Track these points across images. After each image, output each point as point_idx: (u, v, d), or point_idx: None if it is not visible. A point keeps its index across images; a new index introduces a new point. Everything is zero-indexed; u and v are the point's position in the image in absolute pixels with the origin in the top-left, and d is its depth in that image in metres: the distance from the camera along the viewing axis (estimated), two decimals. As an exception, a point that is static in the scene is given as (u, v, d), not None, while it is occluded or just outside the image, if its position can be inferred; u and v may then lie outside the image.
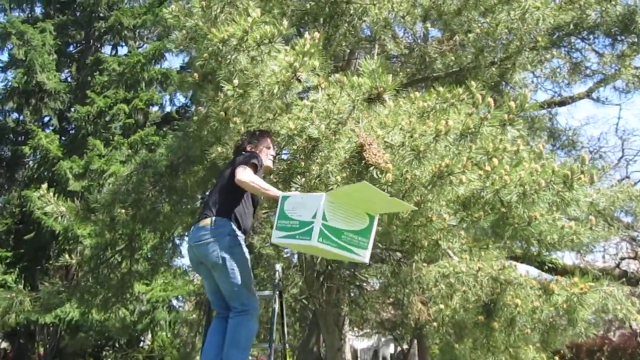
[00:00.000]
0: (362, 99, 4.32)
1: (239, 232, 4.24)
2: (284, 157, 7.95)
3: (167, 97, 18.31)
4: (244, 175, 4.09)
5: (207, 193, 5.14)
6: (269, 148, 4.60)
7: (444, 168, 4.19)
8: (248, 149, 4.53)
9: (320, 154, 4.52)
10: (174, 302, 16.25)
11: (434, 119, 4.43)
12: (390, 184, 4.09)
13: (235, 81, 4.40)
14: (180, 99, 18.48)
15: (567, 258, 13.00)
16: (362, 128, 4.36)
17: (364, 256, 3.77)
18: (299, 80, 4.27)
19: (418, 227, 4.74)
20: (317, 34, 4.18)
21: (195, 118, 6.71)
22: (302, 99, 4.86)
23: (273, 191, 4.07)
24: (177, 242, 10.03)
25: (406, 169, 4.20)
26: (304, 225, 3.60)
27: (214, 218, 4.22)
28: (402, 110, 4.63)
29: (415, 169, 4.20)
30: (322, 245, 3.57)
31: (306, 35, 4.14)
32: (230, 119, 4.76)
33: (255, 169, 4.23)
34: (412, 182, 4.33)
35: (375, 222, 3.83)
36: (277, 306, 4.63)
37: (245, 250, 4.27)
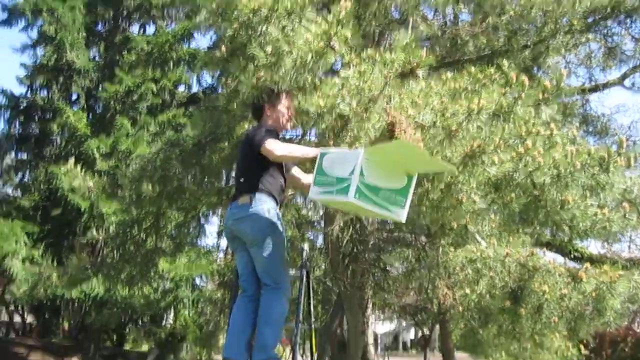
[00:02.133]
0: (395, 75, 4.25)
1: (275, 206, 4.24)
2: (312, 137, 7.94)
3: (194, 77, 18.35)
4: (277, 148, 4.05)
5: (236, 172, 5.14)
6: (288, 108, 4.55)
7: (476, 148, 4.13)
8: (266, 107, 4.50)
9: (349, 133, 4.47)
10: (197, 281, 16.34)
11: (466, 99, 4.36)
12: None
13: (269, 48, 4.36)
14: (207, 80, 18.52)
15: (593, 247, 12.85)
16: (393, 107, 4.30)
17: (401, 215, 3.75)
18: (333, 49, 4.23)
19: (447, 209, 4.68)
20: (349, 3, 4.11)
21: (224, 91, 6.71)
22: (332, 77, 4.81)
23: (312, 151, 4.03)
24: (202, 221, 10.08)
25: (437, 149, 4.15)
26: (341, 182, 3.60)
27: (254, 194, 4.19)
28: (434, 91, 4.56)
29: (446, 149, 4.15)
30: (358, 202, 3.56)
31: (341, 2, 4.08)
32: (262, 88, 4.73)
33: (277, 136, 4.22)
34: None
35: (414, 182, 3.79)
36: (304, 286, 4.60)
37: (283, 226, 4.26)
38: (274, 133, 4.22)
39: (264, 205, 4.16)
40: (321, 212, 11.85)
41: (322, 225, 10.87)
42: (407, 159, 3.68)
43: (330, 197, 3.70)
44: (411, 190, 3.77)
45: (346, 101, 4.30)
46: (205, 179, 7.89)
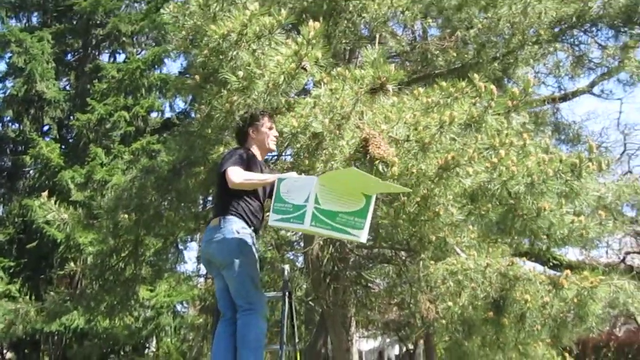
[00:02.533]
0: (366, 91, 4.28)
1: (247, 230, 4.23)
2: (288, 157, 7.91)
3: (167, 103, 18.28)
4: (234, 176, 4.11)
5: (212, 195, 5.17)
6: (271, 129, 4.59)
7: (450, 160, 4.16)
8: (250, 131, 4.51)
9: (324, 150, 4.49)
10: (178, 307, 16.21)
11: (438, 112, 4.40)
12: (396, 177, 4.07)
13: (240, 73, 4.37)
14: (180, 105, 18.48)
15: (571, 254, 12.96)
16: (366, 122, 4.31)
17: (360, 236, 3.77)
18: (305, 69, 4.25)
19: (425, 222, 4.71)
20: (317, 23, 4.14)
21: (198, 116, 6.70)
22: (304, 97, 4.81)
23: (270, 178, 4.09)
24: (180, 247, 10.00)
25: (412, 162, 4.17)
26: (297, 209, 3.63)
27: (223, 217, 4.23)
28: (406, 106, 4.59)
29: (420, 163, 4.19)
30: (315, 229, 3.60)
31: (310, 23, 4.11)
32: (235, 112, 4.75)
33: (241, 163, 4.24)
34: (418, 176, 4.32)
35: (373, 202, 3.82)
36: (286, 307, 4.57)
37: (254, 248, 4.25)
38: (241, 159, 4.25)
39: (233, 226, 4.19)
40: (300, 233, 11.82)
41: (302, 245, 10.82)
42: (361, 184, 3.71)
43: (288, 225, 3.76)
44: (370, 210, 3.80)
45: (319, 119, 4.32)
46: (182, 205, 7.85)
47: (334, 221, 3.63)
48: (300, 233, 11.92)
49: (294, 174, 4.10)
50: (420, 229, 4.85)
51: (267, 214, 4.10)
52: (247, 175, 4.15)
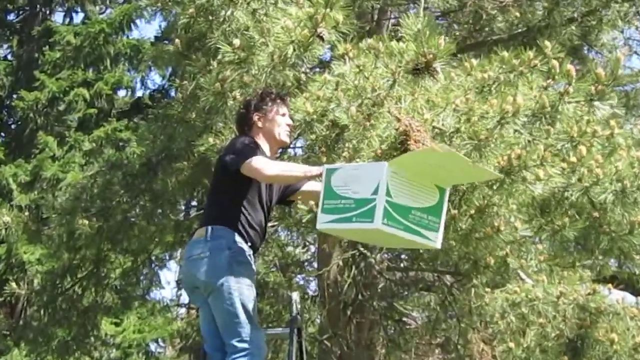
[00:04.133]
0: (406, 70, 4.27)
1: (244, 245, 4.21)
2: (298, 150, 7.94)
3: (139, 78, 18.32)
4: (267, 167, 4.09)
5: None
6: (284, 115, 4.55)
7: (515, 160, 4.14)
8: (255, 118, 4.50)
9: (347, 144, 4.48)
10: (152, 346, 16.24)
11: (498, 94, 4.38)
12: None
13: (236, 41, 4.37)
14: (156, 80, 18.54)
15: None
16: (404, 110, 4.31)
17: (436, 240, 3.80)
18: (321, 38, 4.24)
19: (481, 240, 4.70)
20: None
21: (179, 96, 6.72)
22: (321, 72, 4.82)
23: (313, 169, 4.07)
24: (156, 266, 10.05)
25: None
26: (362, 204, 3.64)
27: (210, 227, 4.22)
28: (455, 84, 4.58)
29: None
30: (388, 229, 3.59)
31: (329, -24, 4.12)
32: (228, 93, 4.74)
33: (261, 154, 4.24)
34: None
35: (447, 198, 3.85)
36: (294, 348, 4.57)
37: (252, 269, 4.23)
38: (256, 147, 4.25)
39: (224, 240, 4.16)
40: (312, 249, 11.85)
41: (315, 266, 10.87)
42: (442, 170, 3.71)
43: (348, 226, 3.75)
44: (445, 207, 3.82)
45: (343, 105, 4.31)
46: (158, 211, 7.89)
47: (407, 219, 3.67)
48: (313, 249, 11.97)
49: (348, 164, 4.12)
50: (475, 249, 4.84)
51: (271, 226, 4.10)
52: (283, 164, 4.21)
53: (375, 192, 3.58)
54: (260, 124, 4.47)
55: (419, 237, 3.73)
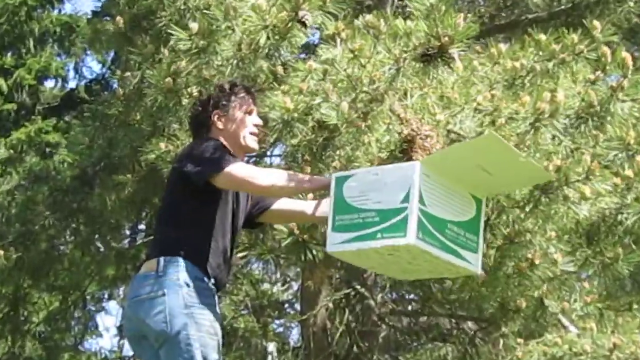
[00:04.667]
0: (413, 57, 4.25)
1: (204, 282, 4.17)
2: (275, 159, 7.92)
3: (71, 65, 18.30)
4: (256, 175, 4.10)
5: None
6: (251, 113, 4.52)
7: (554, 174, 4.13)
8: (214, 118, 4.46)
9: (338, 151, 4.46)
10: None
11: (532, 89, 4.37)
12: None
13: (194, 25, 4.35)
14: (94, 68, 18.52)
15: None
16: (411, 108, 4.29)
17: (475, 263, 3.81)
18: (303, 24, 4.22)
19: (510, 278, 4.69)
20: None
21: (120, 92, 6.69)
22: (306, 57, 4.80)
23: (319, 180, 4.11)
24: (91, 308, 10.01)
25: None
26: (389, 216, 3.61)
27: (162, 259, 4.12)
28: (478, 76, 4.57)
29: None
30: (424, 245, 3.57)
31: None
32: (183, 91, 4.69)
33: (232, 159, 4.20)
34: (498, 200, 4.31)
35: (484, 210, 3.87)
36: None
37: (216, 312, 4.17)
38: (227, 151, 4.20)
39: (180, 275, 4.07)
40: (295, 287, 11.86)
41: (298, 308, 10.86)
42: (480, 172, 3.70)
43: (370, 245, 3.69)
44: (482, 223, 3.84)
45: (332, 100, 4.29)
46: (95, 236, 7.88)
47: (444, 234, 3.67)
48: (296, 287, 11.97)
49: (364, 169, 4.03)
50: (503, 288, 4.83)
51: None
52: (280, 173, 4.17)
53: (406, 199, 3.56)
54: (220, 125, 4.38)
55: (457, 258, 3.73)
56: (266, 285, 12.39)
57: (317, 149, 4.55)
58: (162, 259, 4.12)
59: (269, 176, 4.15)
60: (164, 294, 4.07)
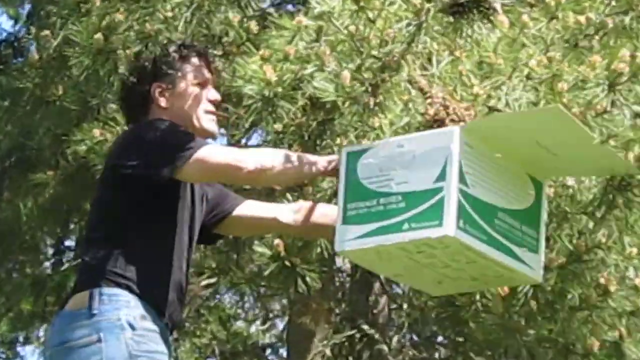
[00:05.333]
0: (440, 9, 4.23)
1: (156, 321, 4.12)
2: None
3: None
4: (243, 159, 3.97)
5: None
6: (205, 85, 4.43)
7: (636, 161, 4.12)
8: (155, 93, 4.33)
9: (339, 138, 4.50)
10: None
11: (604, 49, 4.37)
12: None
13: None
14: (4, 26, 18.58)
15: None
16: (437, 78, 4.27)
17: (537, 268, 3.80)
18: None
19: (575, 311, 4.68)
20: None
21: (36, 57, 6.71)
22: (294, 12, 4.79)
23: (323, 160, 4.05)
24: (0, 355, 10.06)
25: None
26: (418, 200, 3.57)
27: (96, 291, 4.05)
28: (529, 34, 4.56)
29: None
30: (467, 239, 3.51)
31: None
32: (120, 51, 4.69)
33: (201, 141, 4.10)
34: (559, 203, 4.32)
35: (545, 197, 3.87)
36: None
37: (165, 358, 4.14)
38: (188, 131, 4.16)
39: (120, 314, 4.00)
40: (280, 326, 11.91)
41: (285, 355, 10.91)
42: (539, 149, 3.67)
43: (394, 239, 3.61)
44: (544, 214, 3.84)
45: (329, 69, 4.28)
46: (4, 257, 7.90)
47: (493, 226, 3.63)
48: (282, 326, 11.99)
49: (384, 140, 3.97)
50: (565, 326, 4.84)
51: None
52: (270, 154, 4.06)
53: (442, 177, 3.51)
54: (163, 103, 4.28)
55: (512, 258, 3.69)
56: (240, 324, 12.40)
57: (309, 137, 4.56)
58: (96, 291, 4.02)
59: (260, 158, 4.02)
60: (99, 340, 3.97)
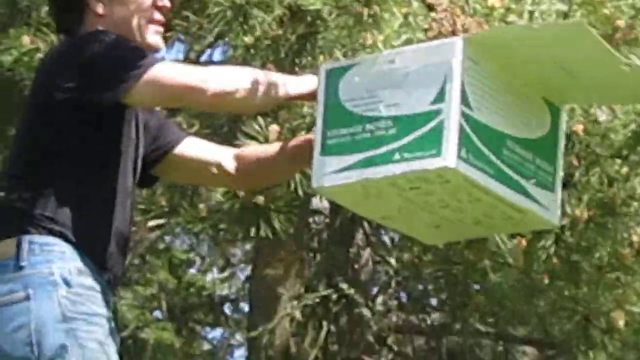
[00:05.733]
0: None
1: (96, 276, 4.07)
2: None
3: None
4: (206, 79, 3.87)
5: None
6: None
7: None
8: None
9: (322, 57, 4.45)
10: None
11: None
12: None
13: None
14: None
15: None
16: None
17: (553, 209, 3.81)
18: None
19: (602, 274, 4.73)
20: None
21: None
22: None
23: (298, 81, 3.99)
24: None
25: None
26: (412, 125, 3.55)
27: (23, 239, 3.99)
28: None
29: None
30: (471, 171, 3.48)
31: None
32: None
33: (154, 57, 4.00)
34: (587, 144, 4.33)
35: (563, 126, 3.86)
36: None
37: (110, 325, 4.07)
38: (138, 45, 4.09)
39: (53, 268, 3.93)
40: (242, 277, 11.94)
41: (247, 313, 10.92)
42: (556, 69, 3.64)
43: (383, 171, 3.57)
44: (562, 145, 3.84)
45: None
46: None
47: (501, 157, 3.60)
48: (244, 277, 11.99)
49: (373, 55, 3.90)
50: (588, 292, 4.86)
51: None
52: (241, 72, 4.01)
53: (440, 98, 3.49)
54: (100, 9, 4.18)
55: (523, 197, 3.69)
56: (194, 273, 12.36)
57: (287, 53, 4.55)
58: (25, 238, 3.93)
59: (225, 78, 3.96)
60: (28, 297, 3.88)
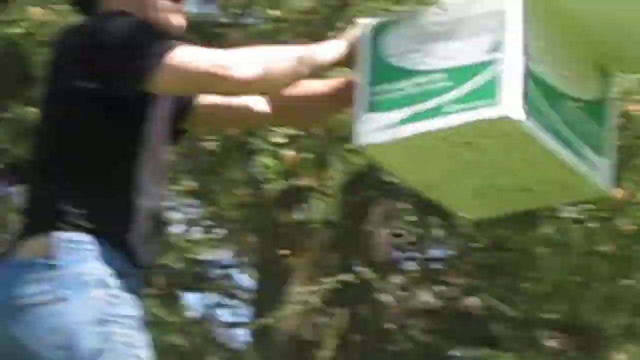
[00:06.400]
0: None
1: (131, 273, 3.89)
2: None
3: None
4: (236, 63, 3.77)
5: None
6: None
7: None
8: None
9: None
10: None
11: None
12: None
13: None
14: None
15: None
16: None
17: (606, 174, 3.85)
18: None
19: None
20: None
21: None
22: None
23: (333, 46, 3.94)
24: None
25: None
26: (466, 76, 3.52)
27: (57, 236, 3.79)
28: None
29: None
30: (533, 125, 3.46)
31: None
32: None
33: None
34: None
35: (614, 94, 3.95)
36: None
37: (137, 324, 3.86)
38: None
39: (87, 267, 3.78)
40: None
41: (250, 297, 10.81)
42: (623, 37, 3.69)
43: (436, 123, 3.55)
44: (612, 111, 3.93)
45: None
46: None
47: (561, 117, 3.63)
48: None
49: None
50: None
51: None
52: (268, 52, 4.02)
53: (498, 46, 3.47)
54: None
55: (580, 161, 3.70)
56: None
57: (325, 19, 4.39)
58: (55, 236, 3.78)
59: (252, 59, 3.86)
60: (61, 299, 3.77)
